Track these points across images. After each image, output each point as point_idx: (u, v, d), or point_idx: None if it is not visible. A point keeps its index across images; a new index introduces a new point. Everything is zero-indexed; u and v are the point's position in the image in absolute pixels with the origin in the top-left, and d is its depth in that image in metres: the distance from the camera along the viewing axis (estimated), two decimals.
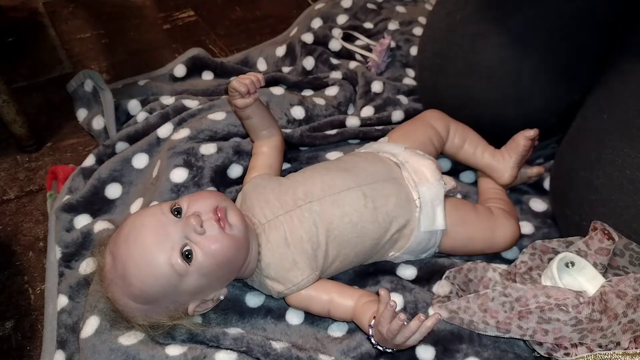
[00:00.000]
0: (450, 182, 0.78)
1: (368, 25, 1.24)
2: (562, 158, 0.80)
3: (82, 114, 1.06)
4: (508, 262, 0.79)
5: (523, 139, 0.82)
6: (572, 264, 0.66)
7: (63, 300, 0.73)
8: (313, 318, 0.72)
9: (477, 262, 0.72)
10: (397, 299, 0.72)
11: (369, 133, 0.95)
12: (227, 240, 0.62)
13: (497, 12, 0.78)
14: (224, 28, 1.35)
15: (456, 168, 0.92)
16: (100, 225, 0.80)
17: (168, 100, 1.01)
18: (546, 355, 0.64)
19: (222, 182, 0.85)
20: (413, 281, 0.75)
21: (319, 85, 1.07)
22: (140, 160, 0.89)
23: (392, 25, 1.23)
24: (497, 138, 0.86)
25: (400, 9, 1.30)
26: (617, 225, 0.66)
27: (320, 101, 1.01)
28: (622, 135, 0.68)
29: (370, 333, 0.63)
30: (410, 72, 1.12)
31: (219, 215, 0.63)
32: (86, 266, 0.76)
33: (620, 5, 0.74)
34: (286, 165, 0.90)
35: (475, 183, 0.90)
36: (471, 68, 0.80)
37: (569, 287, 0.63)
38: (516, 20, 0.78)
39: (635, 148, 0.66)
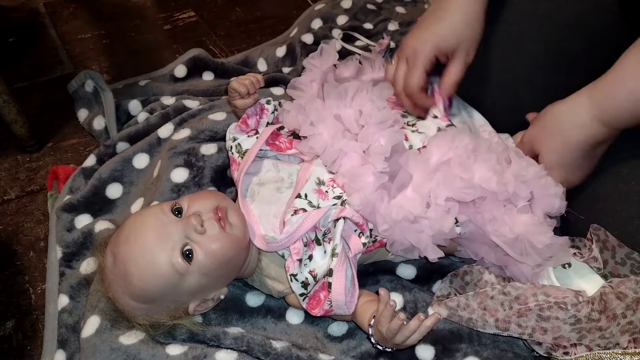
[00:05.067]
0: None
1: (368, 25, 1.24)
2: None
3: (82, 114, 1.06)
4: None
5: None
6: (569, 264, 0.66)
7: (64, 300, 0.74)
8: (313, 317, 0.72)
9: (473, 266, 0.72)
10: (397, 299, 0.72)
11: None
12: (227, 239, 0.63)
13: (492, 21, 0.79)
14: (224, 28, 1.36)
15: None
16: (101, 225, 0.80)
17: (169, 100, 1.01)
18: (545, 355, 0.64)
19: (223, 182, 0.85)
20: (412, 281, 0.76)
21: None
22: (140, 160, 0.89)
23: (392, 26, 1.23)
24: None
25: (400, 9, 1.30)
26: (621, 235, 0.66)
27: None
28: (628, 146, 0.68)
29: (370, 332, 0.63)
30: None
31: (220, 214, 0.63)
32: (87, 266, 0.76)
33: (617, 17, 0.74)
34: None
35: None
36: (467, 75, 0.80)
37: (567, 287, 0.63)
38: (512, 30, 0.79)
39: None
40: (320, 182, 0.68)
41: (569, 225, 0.71)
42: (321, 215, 0.64)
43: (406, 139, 0.74)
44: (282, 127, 0.75)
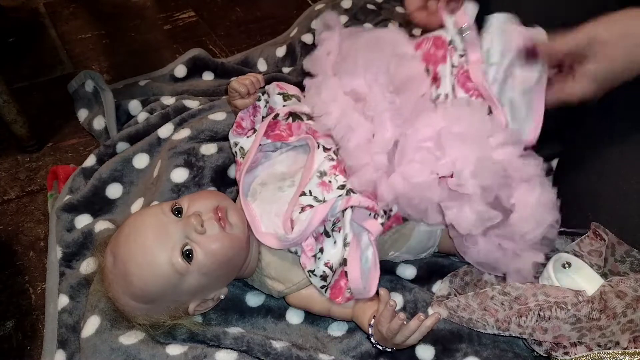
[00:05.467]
0: None
1: (368, 25, 1.24)
2: (566, 166, 0.80)
3: (82, 114, 1.06)
4: None
5: None
6: (569, 264, 0.66)
7: (64, 300, 0.74)
8: (313, 317, 0.72)
9: (473, 266, 0.72)
10: (397, 299, 0.72)
11: None
12: (227, 239, 0.63)
13: None
14: (224, 28, 1.36)
15: None
16: (101, 225, 0.80)
17: (169, 100, 1.01)
18: (545, 355, 0.64)
19: (223, 182, 0.85)
20: (412, 281, 0.76)
21: None
22: (140, 160, 0.89)
23: (392, 26, 1.23)
24: None
25: (400, 9, 1.30)
26: (620, 233, 0.66)
27: None
28: (628, 144, 0.68)
29: (370, 332, 0.63)
30: None
31: (220, 214, 0.63)
32: (87, 266, 0.76)
33: None
34: None
35: None
36: None
37: (567, 287, 0.63)
38: None
39: None
40: (322, 174, 0.68)
41: (569, 225, 0.72)
42: (328, 209, 0.64)
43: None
44: (277, 115, 0.75)
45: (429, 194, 0.63)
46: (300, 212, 0.64)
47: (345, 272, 0.64)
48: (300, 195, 0.67)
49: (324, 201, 0.65)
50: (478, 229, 0.63)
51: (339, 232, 0.65)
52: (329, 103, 0.70)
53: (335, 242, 0.65)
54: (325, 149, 0.70)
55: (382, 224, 0.67)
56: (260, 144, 0.72)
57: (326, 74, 0.75)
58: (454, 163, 0.62)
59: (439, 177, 0.63)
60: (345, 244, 0.64)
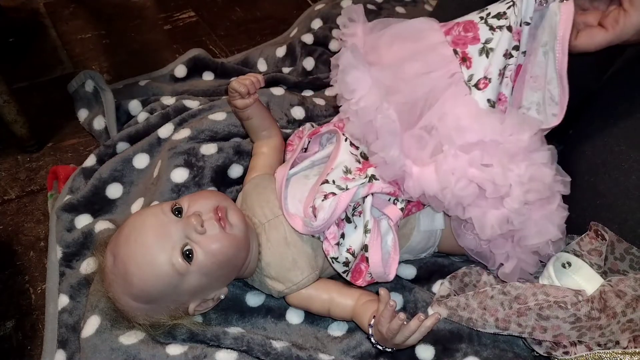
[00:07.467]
0: None
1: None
2: (566, 161, 0.80)
3: (83, 114, 1.06)
4: None
5: None
6: (569, 264, 0.66)
7: (64, 300, 0.74)
8: (313, 317, 0.72)
9: (472, 267, 0.72)
10: (397, 299, 0.72)
11: None
12: (227, 239, 0.63)
13: None
14: (224, 29, 1.36)
15: None
16: (101, 225, 0.80)
17: (169, 100, 1.01)
18: (545, 355, 0.64)
19: (223, 182, 0.85)
20: (412, 281, 0.76)
21: (319, 86, 1.08)
22: (141, 160, 0.89)
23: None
24: None
25: (400, 9, 1.30)
26: (621, 230, 0.66)
27: (320, 101, 1.01)
28: (629, 140, 0.68)
29: (370, 332, 0.63)
30: None
31: (220, 214, 0.63)
32: (87, 266, 0.76)
33: None
34: None
35: None
36: None
37: (567, 287, 0.63)
38: None
39: None
40: (347, 171, 0.68)
41: (568, 222, 0.72)
42: (351, 196, 0.64)
43: None
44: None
45: (460, 201, 0.62)
46: (323, 200, 0.64)
47: (366, 256, 0.66)
48: (323, 183, 0.67)
49: (347, 189, 0.65)
50: (499, 232, 0.63)
51: (359, 216, 0.67)
52: (360, 101, 0.66)
53: (355, 227, 0.66)
54: (352, 144, 0.71)
55: (402, 209, 0.67)
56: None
57: (355, 66, 0.71)
58: (507, 185, 0.60)
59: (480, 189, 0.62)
60: (366, 231, 0.65)
